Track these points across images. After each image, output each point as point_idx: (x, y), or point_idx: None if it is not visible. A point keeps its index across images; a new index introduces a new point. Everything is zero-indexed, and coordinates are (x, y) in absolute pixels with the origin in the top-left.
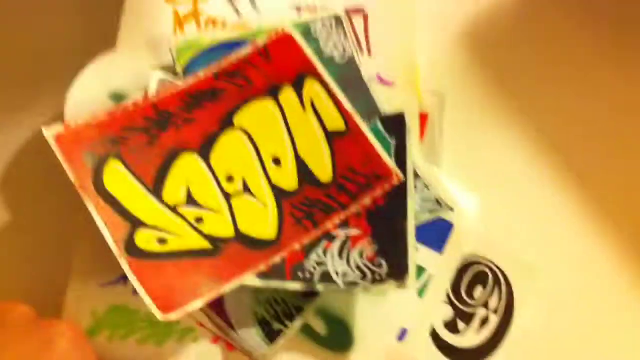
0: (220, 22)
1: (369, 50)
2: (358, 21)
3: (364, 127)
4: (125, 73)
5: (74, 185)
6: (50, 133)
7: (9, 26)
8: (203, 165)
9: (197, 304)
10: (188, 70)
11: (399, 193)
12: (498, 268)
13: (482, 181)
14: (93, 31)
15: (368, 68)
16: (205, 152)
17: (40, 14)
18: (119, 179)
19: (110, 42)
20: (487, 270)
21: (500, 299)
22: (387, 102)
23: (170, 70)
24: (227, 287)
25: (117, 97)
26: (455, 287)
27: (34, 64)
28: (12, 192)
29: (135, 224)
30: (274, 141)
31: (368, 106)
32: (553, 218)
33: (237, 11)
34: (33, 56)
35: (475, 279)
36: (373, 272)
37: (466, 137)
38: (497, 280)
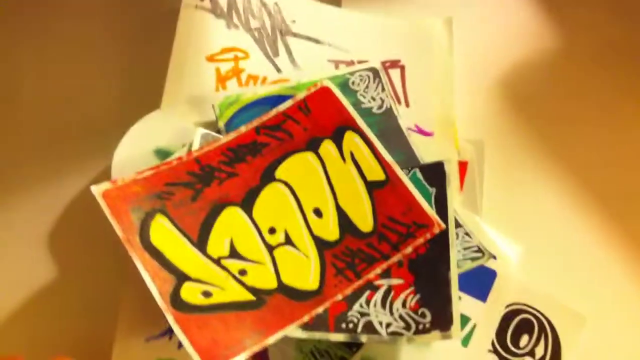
0: (261, 78)
1: (406, 102)
2: (395, 73)
3: (404, 177)
4: (169, 130)
5: (121, 240)
6: (98, 190)
7: (59, 87)
8: (246, 218)
9: (242, 357)
10: (230, 125)
11: (441, 242)
12: (543, 316)
13: (523, 228)
14: (139, 91)
15: (406, 119)
16: (247, 205)
17: (88, 75)
18: (165, 234)
19: (156, 101)
20: (532, 318)
21: (546, 347)
22: (426, 151)
23: (213, 126)
24: (271, 340)
25: (162, 154)
26: (500, 335)
27: (82, 124)
28: (60, 247)
29: (181, 277)
30: (314, 193)
31: (407, 156)
32: (598, 264)
33: (276, 67)
34: (82, 116)
35: (520, 327)
36: (417, 322)
37: (506, 184)
38: (542, 329)
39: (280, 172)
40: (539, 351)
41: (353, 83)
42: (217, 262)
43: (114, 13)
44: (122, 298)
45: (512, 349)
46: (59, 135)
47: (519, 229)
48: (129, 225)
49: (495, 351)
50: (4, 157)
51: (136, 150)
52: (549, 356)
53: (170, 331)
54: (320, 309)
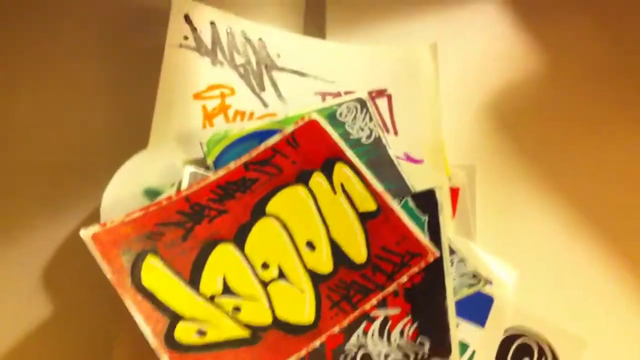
0: (248, 114)
1: (395, 130)
2: (382, 102)
3: (396, 206)
4: (158, 169)
5: (112, 283)
6: (87, 234)
7: (44, 130)
8: (238, 254)
9: None
10: (219, 162)
11: (436, 270)
12: (543, 340)
13: (518, 252)
14: (127, 130)
15: (395, 147)
16: (239, 242)
17: (76, 115)
18: (156, 275)
19: (144, 139)
20: (531, 342)
21: None
22: (417, 179)
23: (202, 163)
24: None
25: (151, 194)
26: None
27: (72, 164)
28: (51, 291)
29: (174, 317)
30: (306, 226)
31: (398, 185)
32: (595, 285)
33: (263, 102)
34: (70, 156)
35: (519, 352)
36: (415, 352)
37: (499, 208)
38: (542, 353)
39: (271, 207)
40: None
41: (340, 114)
42: (210, 300)
43: (100, 54)
44: (117, 339)
45: None
46: (48, 175)
47: (514, 252)
48: (119, 268)
49: None
50: None
51: (125, 190)
52: None
53: None
54: (317, 343)
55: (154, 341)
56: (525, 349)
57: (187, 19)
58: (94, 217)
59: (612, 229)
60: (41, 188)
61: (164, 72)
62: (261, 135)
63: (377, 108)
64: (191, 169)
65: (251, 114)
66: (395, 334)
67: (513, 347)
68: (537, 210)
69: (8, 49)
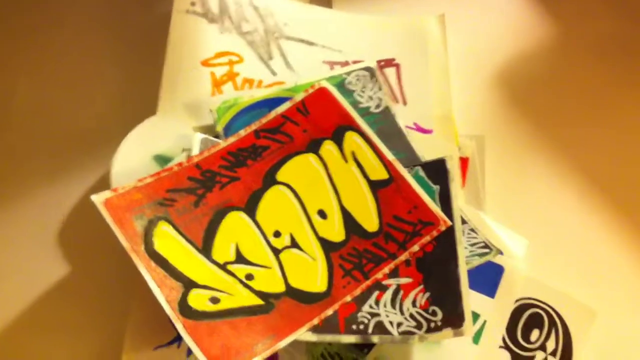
0: (257, 82)
1: (403, 100)
2: (391, 72)
3: (408, 175)
4: (167, 136)
5: (126, 249)
6: (99, 199)
7: (55, 94)
8: (250, 222)
9: None
10: (228, 129)
11: (447, 239)
12: (553, 310)
13: (528, 222)
14: (135, 97)
15: (404, 117)
16: (251, 209)
17: (84, 83)
18: (169, 241)
19: (152, 107)
20: (542, 312)
21: (557, 341)
22: (426, 149)
23: (211, 130)
24: (282, 344)
25: (162, 160)
26: (511, 331)
27: (79, 130)
28: (64, 257)
29: (188, 284)
30: (318, 194)
31: (408, 154)
32: (604, 255)
33: (271, 70)
34: (78, 123)
35: (530, 321)
36: (428, 321)
37: (508, 178)
38: (553, 322)
39: (281, 175)
40: (550, 345)
41: (350, 83)
42: (223, 267)
43: (108, 21)
44: (130, 307)
45: (523, 343)
46: (56, 143)
47: (524, 222)
48: (133, 234)
49: (507, 347)
50: (3, 162)
51: (135, 157)
52: (560, 350)
53: (178, 339)
54: (329, 311)
55: (168, 308)
56: (535, 319)
57: None
58: (103, 183)
59: (622, 199)
60: (51, 154)
61: (171, 38)
62: (271, 103)
63: (385, 78)
64: (201, 135)
65: (260, 82)
66: (408, 303)
67: (524, 317)
68: (546, 180)
69: (21, 19)
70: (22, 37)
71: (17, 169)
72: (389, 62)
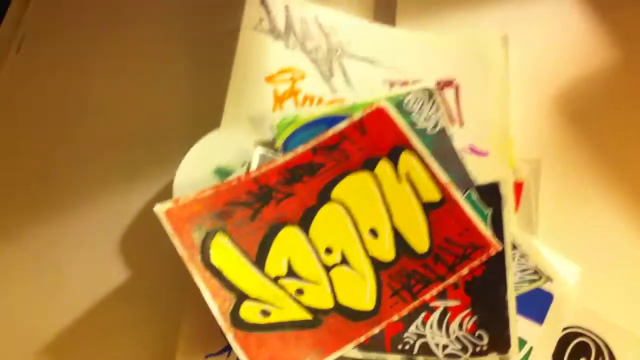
0: (317, 99)
1: (460, 121)
2: (450, 92)
3: (460, 198)
4: (229, 150)
5: (183, 258)
6: (161, 209)
7: (124, 108)
8: (303, 237)
9: None
10: (287, 145)
11: (497, 263)
12: (601, 339)
13: (582, 249)
14: (201, 109)
15: (461, 139)
16: (304, 225)
17: (153, 93)
18: (225, 253)
19: (217, 119)
20: (589, 342)
21: None
22: (481, 172)
23: (271, 145)
24: (329, 359)
25: (222, 173)
26: (557, 359)
27: (145, 142)
28: (125, 263)
29: (240, 296)
30: (370, 213)
31: (462, 177)
32: None
33: (332, 88)
34: (145, 135)
35: (577, 350)
36: (474, 344)
37: (563, 204)
38: (599, 352)
39: (336, 192)
40: None
41: (407, 103)
42: (275, 281)
43: (183, 30)
44: (183, 315)
45: None
46: (126, 151)
47: (577, 249)
48: (190, 244)
49: None
50: (71, 166)
51: (197, 169)
52: None
53: (228, 349)
54: (376, 330)
55: (220, 318)
56: (583, 348)
57: (262, 2)
58: (166, 192)
59: None
60: (117, 162)
61: (238, 54)
62: (329, 120)
63: (444, 98)
64: (261, 150)
65: (320, 99)
66: (454, 325)
67: (571, 346)
68: (601, 208)
69: (95, 33)
70: (96, 45)
71: (83, 173)
72: (449, 83)
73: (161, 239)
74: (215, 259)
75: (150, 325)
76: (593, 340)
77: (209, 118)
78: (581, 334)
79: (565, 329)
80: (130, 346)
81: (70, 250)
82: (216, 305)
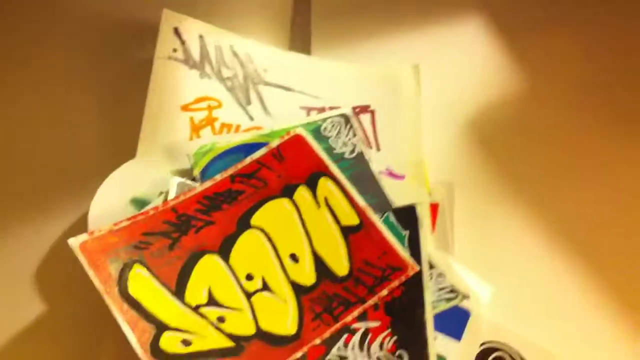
0: (234, 127)
1: (377, 146)
2: (366, 118)
3: (378, 221)
4: (145, 179)
5: (99, 291)
6: (75, 243)
7: (34, 138)
8: (223, 265)
9: None
10: (205, 173)
11: (415, 283)
12: (517, 353)
13: (495, 267)
14: (115, 139)
15: (377, 162)
16: (224, 253)
17: (64, 124)
18: (143, 284)
19: (132, 149)
20: (506, 356)
21: None
22: (398, 194)
23: (189, 174)
24: None
25: (138, 203)
26: None
27: (59, 171)
28: (37, 298)
29: (160, 326)
30: (290, 239)
31: (380, 200)
32: (568, 302)
33: (249, 115)
34: (58, 163)
35: None
36: None
37: (476, 224)
38: None
39: (256, 219)
40: None
41: (325, 129)
42: (195, 310)
43: (90, 62)
44: (104, 347)
45: None
46: (37, 182)
47: (490, 268)
48: (107, 277)
49: None
50: None
51: (112, 199)
52: None
53: None
54: (299, 354)
55: (140, 350)
56: None
57: (176, 31)
58: (81, 223)
59: (588, 247)
60: (30, 194)
61: (152, 83)
62: (247, 148)
63: (360, 123)
64: (178, 179)
65: (237, 127)
66: (375, 346)
67: None
68: (513, 228)
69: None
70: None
71: None
72: (364, 109)
73: (78, 271)
74: (133, 290)
75: (71, 358)
76: (509, 355)
77: (124, 149)
78: (498, 349)
79: (482, 344)
80: None
81: None
82: (135, 337)
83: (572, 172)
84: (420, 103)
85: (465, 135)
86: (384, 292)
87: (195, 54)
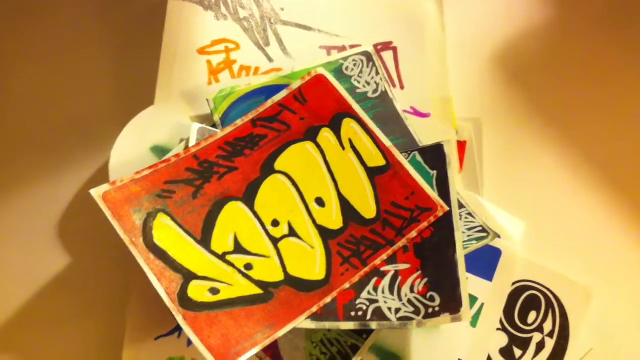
0: (253, 69)
1: (401, 84)
2: (388, 55)
3: (404, 162)
4: (165, 126)
5: (124, 242)
6: (97, 193)
7: (49, 86)
8: (248, 212)
9: (253, 352)
10: (226, 118)
11: (445, 224)
12: (550, 291)
13: (526, 204)
14: (132, 87)
15: (402, 101)
16: (249, 199)
17: (80, 73)
18: (168, 233)
19: (150, 97)
20: (539, 294)
21: (554, 322)
22: (424, 133)
23: (209, 119)
24: (282, 332)
25: (159, 151)
26: (508, 313)
27: (76, 122)
28: (63, 250)
29: (187, 276)
30: (315, 183)
31: (405, 139)
32: (601, 237)
33: (268, 57)
34: (75, 114)
35: (527, 304)
36: (426, 306)
37: (506, 161)
38: (550, 304)
39: (279, 164)
40: (547, 326)
41: (347, 68)
42: (222, 258)
43: (103, 9)
44: (130, 298)
45: (521, 325)
46: (53, 135)
47: (521, 205)
48: (131, 227)
49: (504, 329)
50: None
51: (133, 148)
52: (557, 331)
53: (178, 329)
54: (328, 299)
55: (168, 300)
56: (533, 301)
57: None
58: (101, 174)
59: (620, 180)
60: (49, 145)
61: (167, 26)
62: (268, 91)
63: (383, 61)
64: (198, 125)
65: (257, 69)
66: (406, 289)
67: (521, 300)
68: (544, 162)
69: (8, 22)
70: (13, 30)
71: (14, 161)
72: (387, 46)
73: (100, 223)
74: (159, 239)
75: (95, 312)
76: (542, 292)
77: (141, 97)
78: (530, 287)
79: (514, 283)
80: (75, 336)
81: (3, 240)
82: (163, 287)
83: (601, 105)
84: (445, 37)
85: (492, 70)
86: (413, 233)
87: None
